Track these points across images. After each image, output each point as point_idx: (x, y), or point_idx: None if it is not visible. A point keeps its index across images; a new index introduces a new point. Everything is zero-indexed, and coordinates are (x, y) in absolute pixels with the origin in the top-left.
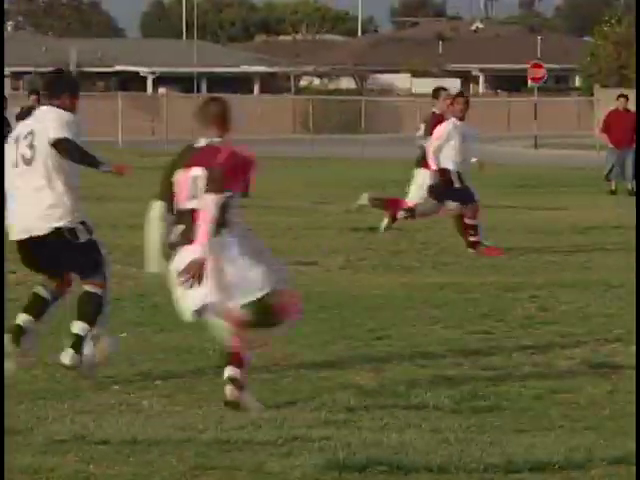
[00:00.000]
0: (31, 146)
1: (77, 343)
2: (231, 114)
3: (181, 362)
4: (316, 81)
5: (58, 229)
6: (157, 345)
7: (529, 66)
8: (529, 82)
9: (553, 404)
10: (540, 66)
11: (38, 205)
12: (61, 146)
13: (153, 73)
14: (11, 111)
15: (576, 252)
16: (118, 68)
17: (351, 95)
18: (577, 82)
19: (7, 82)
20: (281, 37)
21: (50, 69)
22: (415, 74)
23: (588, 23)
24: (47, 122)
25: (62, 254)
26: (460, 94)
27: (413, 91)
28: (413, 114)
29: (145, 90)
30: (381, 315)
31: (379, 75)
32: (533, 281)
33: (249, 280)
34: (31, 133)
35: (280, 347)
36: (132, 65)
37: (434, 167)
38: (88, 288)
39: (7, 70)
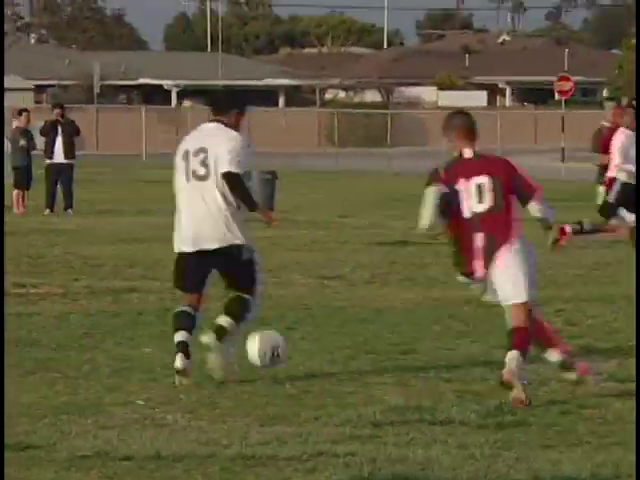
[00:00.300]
0: (204, 164)
1: (220, 332)
2: (476, 125)
3: (205, 377)
4: (341, 94)
5: (227, 246)
6: None
7: (556, 79)
8: (556, 95)
9: (580, 419)
10: (567, 79)
11: (209, 221)
12: (230, 181)
13: (177, 86)
14: (34, 125)
15: (603, 266)
16: (142, 81)
17: (377, 108)
18: (605, 95)
19: (30, 95)
20: (306, 50)
21: (73, 82)
22: (441, 87)
23: (616, 35)
24: (222, 146)
25: (225, 267)
26: (630, 105)
27: (439, 104)
28: (439, 127)
29: (169, 103)
30: (406, 329)
31: (405, 88)
32: (559, 295)
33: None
34: (204, 150)
35: (303, 361)
36: (156, 78)
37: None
38: (241, 294)
39: (31, 83)
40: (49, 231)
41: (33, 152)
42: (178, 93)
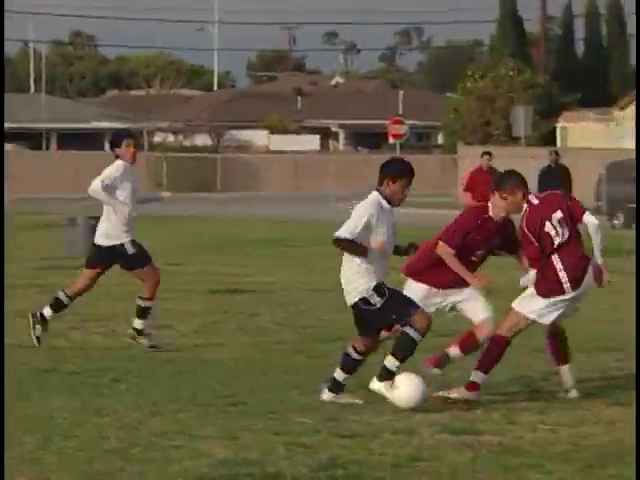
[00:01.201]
0: None
1: (383, 374)
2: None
3: (27, 431)
4: (170, 137)
5: (355, 304)
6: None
7: (389, 122)
8: (390, 139)
9: (414, 472)
10: (401, 122)
11: (345, 276)
12: (336, 244)
13: None
14: None
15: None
16: None
17: (207, 152)
18: (440, 139)
19: None
20: (133, 92)
21: None
22: (273, 130)
23: (450, 79)
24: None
25: (366, 320)
26: None
27: (271, 148)
28: (271, 171)
29: None
30: (236, 381)
31: (236, 131)
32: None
33: None
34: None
35: (128, 414)
36: None
37: None
38: (405, 329)
39: None
40: None
41: None
42: None
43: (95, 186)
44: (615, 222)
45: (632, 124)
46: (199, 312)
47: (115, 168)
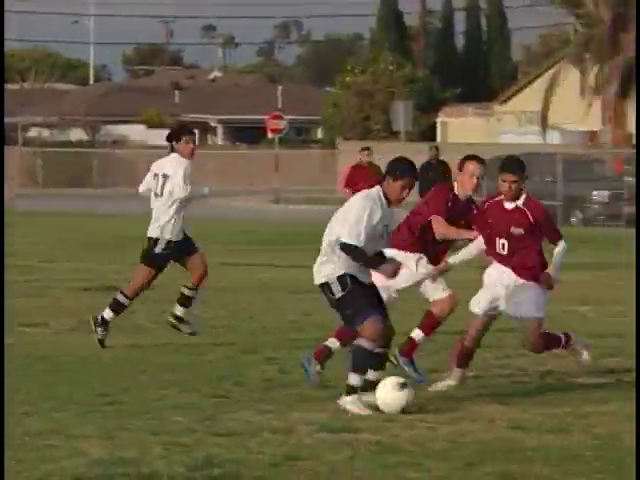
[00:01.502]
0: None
1: (348, 390)
2: None
3: None
4: (45, 132)
5: (321, 284)
6: None
7: (268, 117)
8: (269, 133)
9: (292, 472)
10: (279, 117)
11: (323, 254)
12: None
13: None
14: None
15: (319, 311)
16: None
17: (82, 147)
18: (320, 134)
19: None
20: (8, 85)
21: None
22: (150, 125)
23: (330, 72)
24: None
25: (332, 306)
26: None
27: (149, 143)
28: (149, 167)
29: None
30: (113, 379)
31: (112, 126)
32: (272, 342)
33: None
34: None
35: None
36: None
37: None
38: (357, 341)
39: None
40: None
41: None
42: None
43: (185, 190)
44: None
45: (512, 119)
46: (74, 310)
47: (186, 165)
